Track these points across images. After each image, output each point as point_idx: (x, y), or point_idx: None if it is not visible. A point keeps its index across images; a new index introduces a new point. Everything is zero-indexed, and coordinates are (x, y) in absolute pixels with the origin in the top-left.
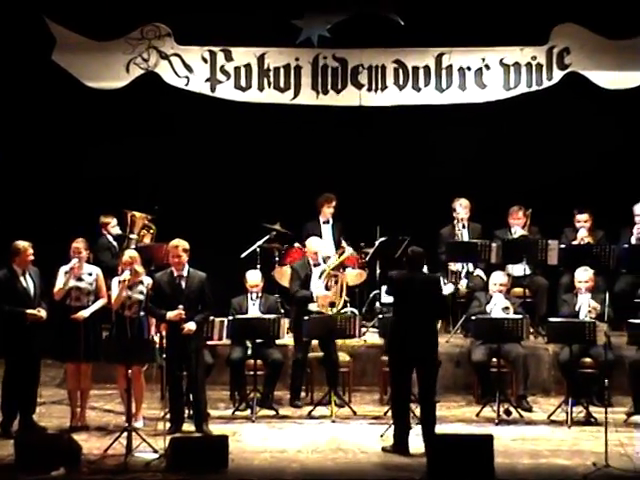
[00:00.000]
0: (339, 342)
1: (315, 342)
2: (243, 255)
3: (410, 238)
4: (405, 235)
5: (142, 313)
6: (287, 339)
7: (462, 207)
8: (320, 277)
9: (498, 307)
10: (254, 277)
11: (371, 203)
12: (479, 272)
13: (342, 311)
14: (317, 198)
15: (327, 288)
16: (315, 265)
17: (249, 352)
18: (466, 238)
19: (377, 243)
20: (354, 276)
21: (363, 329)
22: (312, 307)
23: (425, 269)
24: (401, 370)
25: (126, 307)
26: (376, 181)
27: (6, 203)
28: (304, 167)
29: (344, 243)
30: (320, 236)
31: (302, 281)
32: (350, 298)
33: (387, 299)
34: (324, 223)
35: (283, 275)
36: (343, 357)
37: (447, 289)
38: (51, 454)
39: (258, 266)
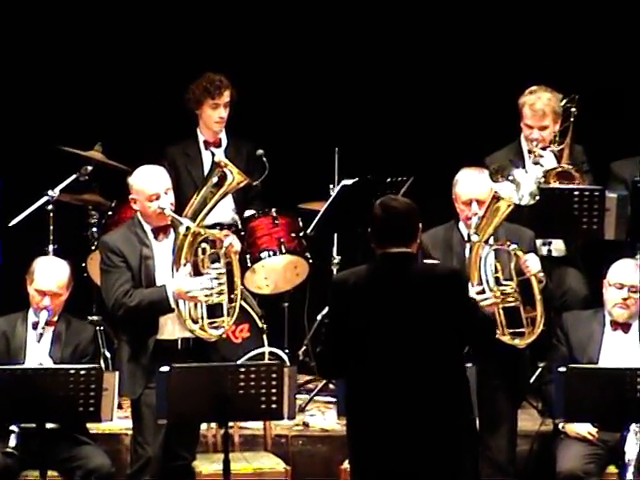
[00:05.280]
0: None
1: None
2: (14, 222)
3: (413, 179)
4: (403, 175)
5: None
6: (119, 420)
7: (537, 111)
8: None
9: (615, 341)
10: (51, 277)
11: (327, 104)
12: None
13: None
14: (190, 88)
15: (197, 273)
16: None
17: (13, 449)
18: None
19: (336, 190)
20: (279, 271)
21: (301, 397)
22: (167, 331)
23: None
24: None
25: None
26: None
27: None
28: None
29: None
30: (201, 172)
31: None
32: (271, 320)
33: None
34: (207, 146)
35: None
36: (271, 465)
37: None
38: None
39: (51, 248)
